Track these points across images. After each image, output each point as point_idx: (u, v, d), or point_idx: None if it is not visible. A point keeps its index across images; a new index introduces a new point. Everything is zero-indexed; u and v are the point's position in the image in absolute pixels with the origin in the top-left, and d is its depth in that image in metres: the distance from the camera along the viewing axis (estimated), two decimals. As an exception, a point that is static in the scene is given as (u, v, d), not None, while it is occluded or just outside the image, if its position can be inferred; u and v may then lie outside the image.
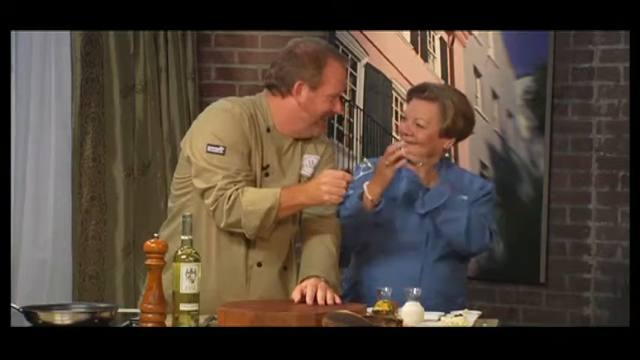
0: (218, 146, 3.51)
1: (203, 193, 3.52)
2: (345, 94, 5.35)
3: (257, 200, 3.47)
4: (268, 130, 3.61)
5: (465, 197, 3.84)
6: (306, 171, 3.67)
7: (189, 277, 3.10)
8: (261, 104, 3.63)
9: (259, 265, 3.61)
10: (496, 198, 4.04)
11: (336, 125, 5.43)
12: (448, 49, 5.43)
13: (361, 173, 3.60)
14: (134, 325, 3.20)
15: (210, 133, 3.53)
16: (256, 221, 3.47)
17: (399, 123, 3.90)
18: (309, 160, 3.67)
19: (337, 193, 3.47)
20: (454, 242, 3.82)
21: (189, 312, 3.10)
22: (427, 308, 3.42)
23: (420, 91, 3.86)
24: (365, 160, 3.81)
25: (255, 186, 3.57)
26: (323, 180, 3.46)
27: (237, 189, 3.47)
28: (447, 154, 3.94)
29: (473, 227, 3.78)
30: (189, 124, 3.95)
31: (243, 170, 3.52)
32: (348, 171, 3.49)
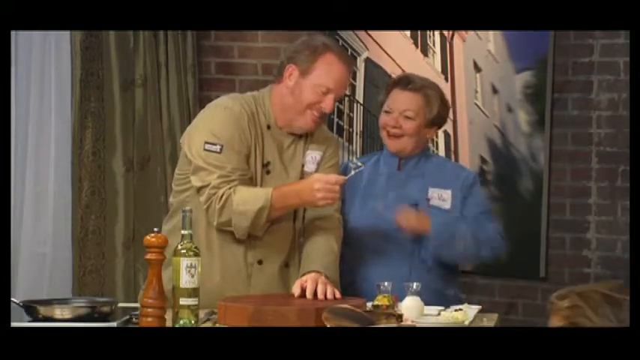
0: (215, 144, 3.51)
1: (198, 190, 3.53)
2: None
3: (248, 201, 3.46)
4: (269, 127, 3.61)
5: (449, 191, 3.84)
6: (309, 167, 3.66)
7: (189, 271, 3.10)
8: (263, 100, 3.62)
9: (260, 262, 3.61)
10: (479, 187, 4.03)
11: (336, 120, 5.43)
12: (448, 44, 5.43)
13: (352, 172, 3.59)
14: (134, 319, 3.20)
15: (208, 130, 3.53)
16: (246, 222, 3.47)
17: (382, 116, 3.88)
18: (311, 157, 3.67)
19: (332, 197, 3.47)
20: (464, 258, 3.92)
21: (189, 306, 3.10)
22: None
23: (404, 83, 3.85)
24: (355, 160, 3.81)
25: (256, 184, 3.57)
26: (316, 187, 3.44)
27: (229, 188, 3.47)
28: (430, 145, 3.96)
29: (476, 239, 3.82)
30: (189, 119, 3.96)
31: (239, 169, 3.52)
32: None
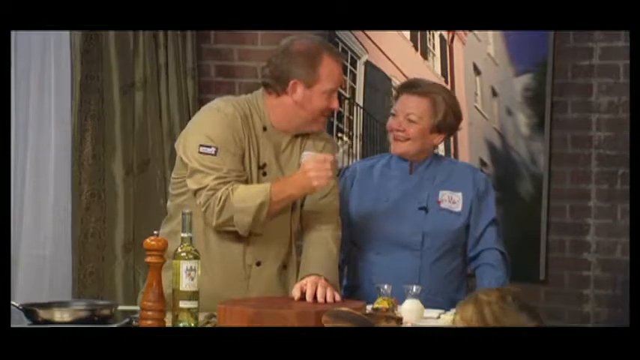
0: (210, 147, 3.51)
1: (195, 193, 3.53)
2: (344, 90, 5.36)
3: (248, 197, 3.46)
4: (265, 129, 3.61)
5: (460, 194, 3.85)
6: (307, 168, 3.66)
7: (189, 274, 3.10)
8: (257, 103, 3.63)
9: (258, 264, 3.61)
10: (494, 191, 4.04)
11: (335, 123, 5.43)
12: (448, 47, 5.43)
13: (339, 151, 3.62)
14: (134, 322, 3.20)
15: (202, 133, 3.53)
16: (248, 218, 3.47)
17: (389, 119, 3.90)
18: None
19: (324, 176, 3.47)
20: None
21: (189, 309, 3.10)
22: (427, 307, 3.42)
23: (410, 87, 3.87)
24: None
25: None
26: (307, 167, 3.46)
27: (227, 188, 3.47)
28: (435, 150, 3.97)
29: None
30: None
31: (235, 170, 3.52)
32: None
